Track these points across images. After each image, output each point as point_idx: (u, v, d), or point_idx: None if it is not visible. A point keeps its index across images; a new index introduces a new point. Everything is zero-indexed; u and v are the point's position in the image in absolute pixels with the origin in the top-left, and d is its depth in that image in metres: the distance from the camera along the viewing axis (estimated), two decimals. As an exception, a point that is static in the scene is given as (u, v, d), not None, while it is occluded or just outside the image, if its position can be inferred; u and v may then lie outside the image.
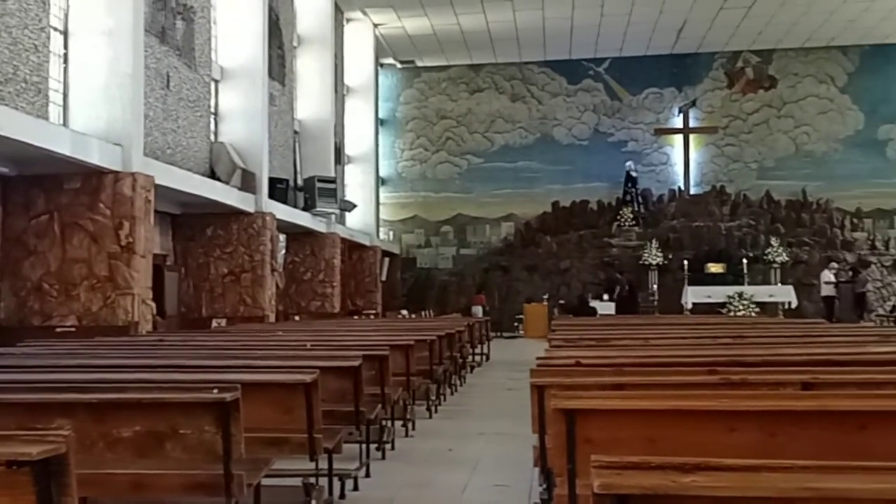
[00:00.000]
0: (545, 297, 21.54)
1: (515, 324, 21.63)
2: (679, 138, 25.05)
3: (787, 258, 21.39)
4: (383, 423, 6.15)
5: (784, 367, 4.11)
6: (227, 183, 13.38)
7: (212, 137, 14.23)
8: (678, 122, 25.08)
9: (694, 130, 24.91)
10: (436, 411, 8.29)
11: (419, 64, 26.06)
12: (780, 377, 3.70)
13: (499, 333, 20.91)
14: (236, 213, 13.65)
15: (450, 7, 21.03)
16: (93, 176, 9.76)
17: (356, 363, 5.08)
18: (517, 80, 26.05)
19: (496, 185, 25.93)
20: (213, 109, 14.32)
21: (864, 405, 2.76)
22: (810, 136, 24.70)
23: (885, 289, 21.78)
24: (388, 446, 6.25)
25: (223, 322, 12.88)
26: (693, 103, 24.96)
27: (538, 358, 4.83)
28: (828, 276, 19.89)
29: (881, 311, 20.44)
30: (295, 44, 18.36)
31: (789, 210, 23.72)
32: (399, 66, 26.12)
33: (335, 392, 5.12)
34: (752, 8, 21.19)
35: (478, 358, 13.79)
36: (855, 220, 23.62)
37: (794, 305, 20.35)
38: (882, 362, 4.43)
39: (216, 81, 14.39)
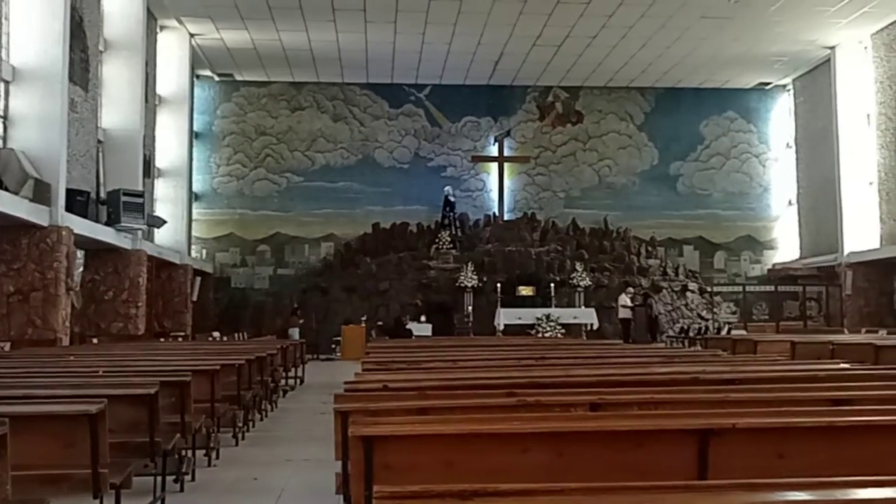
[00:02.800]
0: (363, 318, 21.51)
1: (333, 345, 21.41)
2: (494, 166, 26.09)
3: (590, 282, 22.78)
4: (183, 453, 5.84)
5: (576, 389, 4.34)
6: (16, 193, 12.23)
7: (0, 143, 12.99)
8: (494, 150, 26.12)
9: (508, 159, 26.04)
10: (243, 438, 7.99)
11: (238, 78, 25.36)
12: (571, 398, 3.90)
13: (315, 356, 20.60)
14: (27, 227, 12.51)
15: (271, 22, 20.66)
16: None
17: (152, 390, 4.80)
18: (339, 100, 26.03)
19: (316, 204, 25.68)
20: (1, 113, 13.09)
21: (639, 425, 2.96)
22: (612, 169, 26.60)
23: (674, 311, 23.77)
24: (187, 477, 5.93)
25: (7, 346, 11.69)
26: (508, 133, 26.12)
27: (346, 382, 4.79)
28: (624, 299, 21.37)
29: (671, 333, 22.26)
30: (101, 48, 17.23)
31: (592, 237, 25.34)
32: (217, 78, 25.27)
33: (128, 422, 4.80)
34: (562, 47, 22.57)
35: (292, 381, 13.49)
36: (649, 248, 25.63)
37: (595, 327, 21.68)
38: (662, 382, 4.80)
39: (6, 82, 13.17)
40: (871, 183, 22.36)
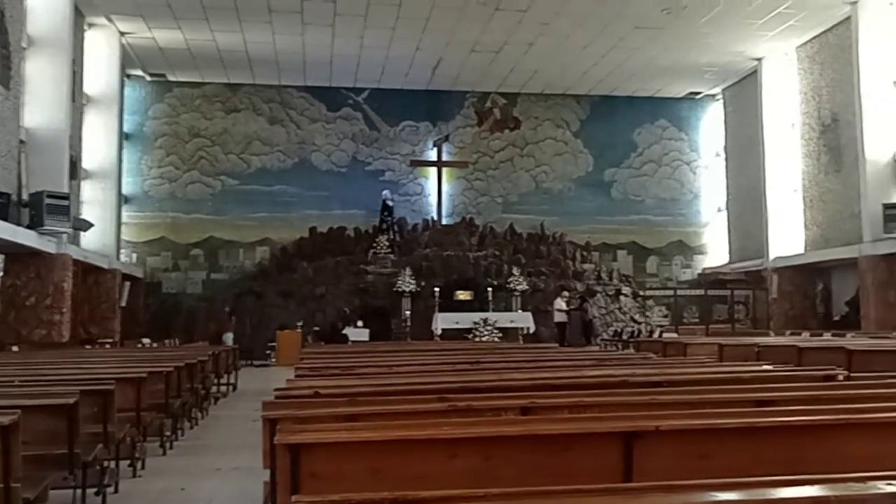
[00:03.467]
0: (299, 323, 21.23)
1: (268, 351, 21.07)
2: (433, 171, 26.10)
3: (526, 286, 22.96)
4: (105, 464, 5.64)
5: (508, 393, 4.34)
6: (-69, 194, 11.70)
7: (-86, 141, 12.40)
8: (433, 155, 26.15)
9: (447, 164, 26.09)
10: (171, 447, 7.78)
11: (171, 78, 24.79)
12: (502, 402, 3.89)
13: (250, 362, 20.25)
14: (-58, 230, 11.98)
15: (205, 23, 20.27)
16: None
17: (71, 400, 4.62)
18: (276, 102, 25.70)
19: (252, 208, 25.28)
20: (-84, 110, 12.50)
21: (566, 428, 2.97)
22: (548, 175, 26.92)
23: (608, 315, 24.14)
24: (110, 489, 5.72)
25: (-81, 354, 11.15)
26: (446, 138, 26.18)
27: (276, 389, 4.70)
28: (560, 303, 21.63)
29: (605, 336, 22.60)
30: (24, 45, 16.61)
31: (529, 242, 25.58)
32: (148, 78, 24.65)
33: (45, 433, 4.61)
34: (499, 54, 22.76)
35: (224, 388, 13.21)
36: (584, 253, 25.99)
37: (532, 331, 21.86)
38: (593, 385, 4.84)
39: (-78, 78, 12.59)
40: (795, 190, 23.17)
